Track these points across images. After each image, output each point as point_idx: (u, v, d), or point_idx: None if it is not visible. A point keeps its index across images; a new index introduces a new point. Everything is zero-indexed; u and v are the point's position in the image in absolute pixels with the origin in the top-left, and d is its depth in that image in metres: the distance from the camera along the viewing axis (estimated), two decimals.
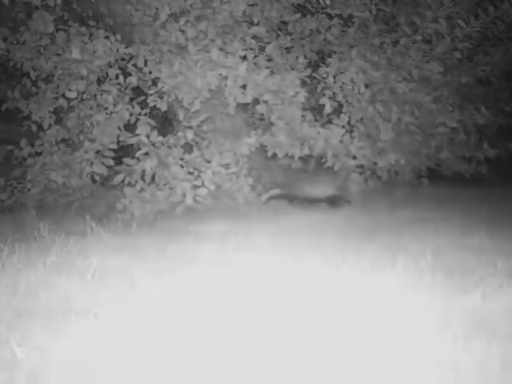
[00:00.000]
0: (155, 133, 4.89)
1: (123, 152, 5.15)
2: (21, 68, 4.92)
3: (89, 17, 5.18)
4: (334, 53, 5.43)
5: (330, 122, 5.35)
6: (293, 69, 5.26)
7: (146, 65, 4.91)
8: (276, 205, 5.47)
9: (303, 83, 5.19)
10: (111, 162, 5.01)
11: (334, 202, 5.55)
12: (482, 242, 3.51)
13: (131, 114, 5.01)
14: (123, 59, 4.98)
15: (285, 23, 5.49)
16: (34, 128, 5.12)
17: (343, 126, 5.31)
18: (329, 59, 5.39)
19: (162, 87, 4.75)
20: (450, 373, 1.66)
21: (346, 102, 5.40)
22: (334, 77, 5.30)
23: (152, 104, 4.92)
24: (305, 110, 5.21)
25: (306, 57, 5.51)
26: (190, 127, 4.96)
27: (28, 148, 5.06)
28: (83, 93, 5.01)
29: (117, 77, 5.01)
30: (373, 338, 1.92)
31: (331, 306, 2.25)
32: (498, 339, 1.85)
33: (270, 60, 5.23)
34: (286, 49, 5.54)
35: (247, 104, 5.29)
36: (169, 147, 4.90)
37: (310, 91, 5.38)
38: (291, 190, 5.60)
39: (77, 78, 4.82)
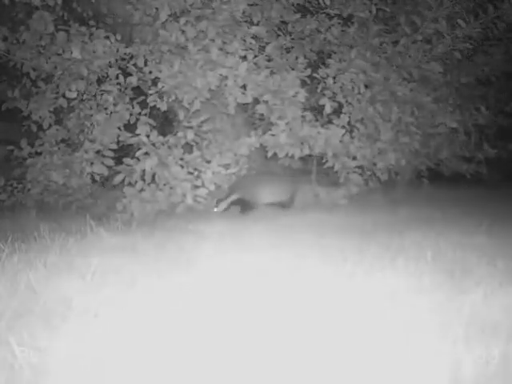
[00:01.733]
0: (155, 133, 4.90)
1: (123, 152, 5.16)
2: (21, 68, 4.93)
3: (89, 17, 5.19)
4: (334, 53, 5.44)
5: (330, 122, 5.36)
6: (293, 69, 5.26)
7: (146, 65, 4.91)
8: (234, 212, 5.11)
9: (303, 83, 5.20)
10: (111, 162, 5.01)
11: (283, 206, 5.34)
12: (482, 242, 3.51)
13: (131, 114, 5.02)
14: (123, 59, 4.99)
15: (285, 23, 5.50)
16: (34, 128, 5.13)
17: (343, 126, 5.31)
18: (329, 59, 5.39)
19: (162, 87, 4.75)
20: (450, 373, 1.66)
21: (346, 102, 5.41)
22: (334, 77, 5.31)
23: (152, 104, 4.93)
24: (305, 110, 5.22)
25: (305, 57, 5.52)
26: (190, 127, 4.96)
27: (28, 148, 5.07)
28: (83, 93, 5.02)
29: (117, 77, 5.02)
30: (373, 338, 1.91)
31: (331, 306, 2.25)
32: (498, 339, 1.85)
33: (269, 60, 5.23)
34: (286, 49, 5.55)
35: (247, 104, 5.30)
36: (169, 147, 4.90)
37: (310, 91, 5.39)
38: (245, 196, 5.16)
39: (77, 78, 4.83)
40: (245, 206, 5.16)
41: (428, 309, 2.18)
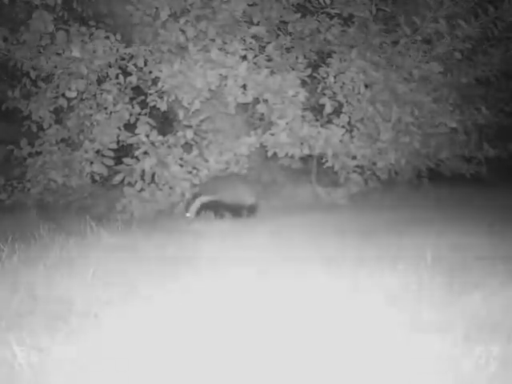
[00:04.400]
0: (155, 132, 4.90)
1: (123, 152, 5.16)
2: (21, 68, 4.94)
3: (89, 17, 5.19)
4: (334, 53, 5.44)
5: (330, 121, 5.36)
6: (293, 69, 5.27)
7: (146, 64, 4.92)
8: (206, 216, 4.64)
9: (303, 83, 5.20)
10: (111, 162, 5.02)
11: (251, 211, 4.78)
12: (481, 242, 3.50)
13: (131, 114, 5.02)
14: (123, 59, 4.99)
15: (285, 23, 5.50)
16: (34, 128, 5.13)
17: (343, 126, 5.31)
18: (329, 59, 5.39)
19: (162, 87, 4.75)
20: (450, 373, 1.66)
21: (346, 101, 5.41)
22: (335, 77, 5.31)
23: (152, 104, 4.93)
24: (305, 109, 5.21)
25: (306, 57, 5.52)
26: (190, 127, 4.96)
27: (28, 148, 5.08)
28: (83, 92, 5.02)
29: (117, 76, 5.02)
30: (373, 338, 1.91)
31: (331, 306, 2.25)
32: (498, 339, 1.85)
33: (270, 60, 5.23)
34: (286, 49, 5.55)
35: (247, 104, 5.29)
36: (168, 147, 4.91)
37: (310, 91, 5.39)
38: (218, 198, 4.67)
39: (77, 78, 4.83)
40: (218, 209, 4.67)
41: (428, 309, 2.18)
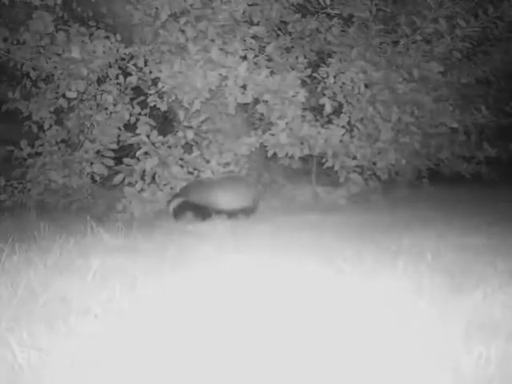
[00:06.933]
0: (155, 133, 4.90)
1: (123, 152, 5.17)
2: (21, 68, 4.95)
3: (89, 17, 5.20)
4: (334, 53, 5.45)
5: (330, 121, 5.37)
6: (293, 69, 5.28)
7: (146, 65, 4.92)
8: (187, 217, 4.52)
9: (303, 83, 5.20)
10: (111, 162, 5.03)
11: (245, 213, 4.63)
12: (481, 242, 3.50)
13: (131, 114, 5.03)
14: (123, 59, 5.00)
15: (285, 23, 5.51)
16: (35, 128, 5.14)
17: (343, 126, 5.32)
18: (329, 59, 5.40)
19: (162, 87, 4.76)
20: (450, 373, 1.66)
21: (346, 102, 5.42)
22: (335, 77, 5.32)
23: (152, 104, 4.94)
24: (305, 109, 5.22)
25: (305, 57, 5.53)
26: (190, 127, 4.96)
27: (28, 148, 5.09)
28: (83, 93, 5.03)
29: (117, 77, 5.03)
30: (373, 338, 1.91)
31: (331, 307, 2.25)
32: (498, 339, 1.85)
33: (270, 60, 5.24)
34: (285, 49, 5.56)
35: (247, 104, 5.30)
36: (169, 147, 4.91)
37: (310, 91, 5.40)
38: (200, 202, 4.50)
39: (77, 78, 4.84)
40: (201, 212, 4.52)
41: (428, 309, 2.18)
